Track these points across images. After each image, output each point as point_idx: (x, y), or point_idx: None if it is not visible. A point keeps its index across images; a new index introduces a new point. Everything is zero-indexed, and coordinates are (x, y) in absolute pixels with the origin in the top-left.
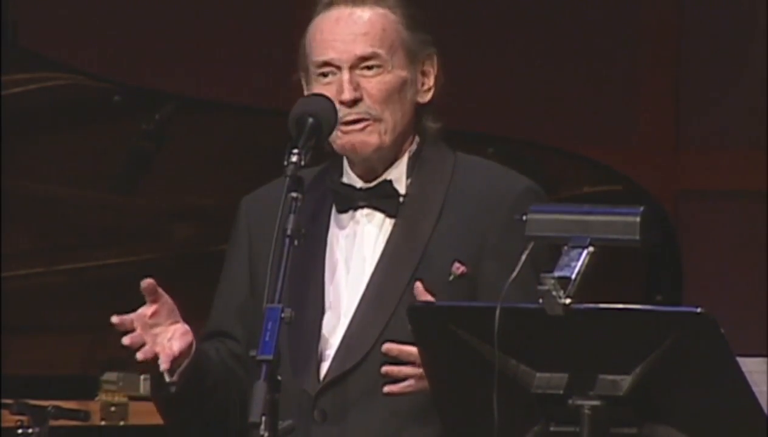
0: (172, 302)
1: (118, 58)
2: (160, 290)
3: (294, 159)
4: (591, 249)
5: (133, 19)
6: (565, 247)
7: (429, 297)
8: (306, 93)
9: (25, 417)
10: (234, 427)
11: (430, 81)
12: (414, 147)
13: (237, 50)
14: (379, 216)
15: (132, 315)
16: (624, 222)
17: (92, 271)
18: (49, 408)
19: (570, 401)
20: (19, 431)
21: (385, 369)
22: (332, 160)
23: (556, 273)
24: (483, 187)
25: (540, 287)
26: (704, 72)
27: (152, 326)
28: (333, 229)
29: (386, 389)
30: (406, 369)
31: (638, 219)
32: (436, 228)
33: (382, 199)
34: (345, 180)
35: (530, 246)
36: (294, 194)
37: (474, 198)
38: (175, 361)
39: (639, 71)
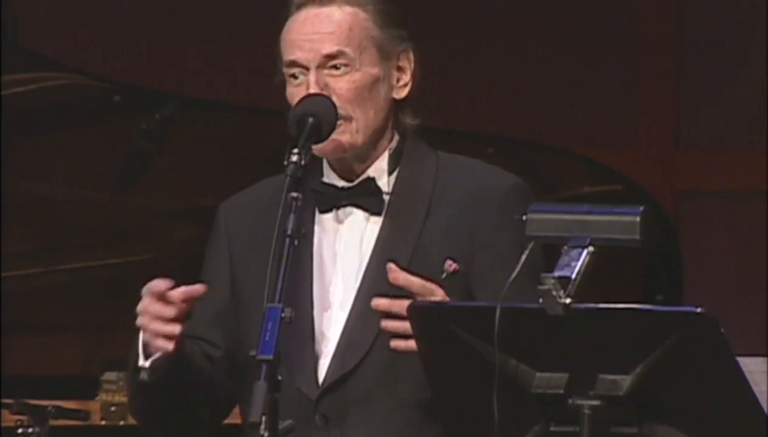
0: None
1: (118, 58)
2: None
3: (294, 159)
4: (591, 249)
5: (133, 19)
6: (565, 247)
7: (402, 275)
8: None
9: (25, 417)
10: (205, 426)
11: (407, 77)
12: (394, 144)
13: (237, 50)
14: (362, 214)
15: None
16: (624, 222)
17: (92, 271)
18: (49, 408)
19: (570, 401)
20: (19, 431)
21: (375, 302)
22: (312, 160)
23: (556, 273)
24: (469, 184)
25: (540, 287)
26: (704, 72)
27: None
28: (317, 230)
29: (393, 344)
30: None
31: (638, 219)
32: (425, 226)
33: (365, 197)
34: (326, 179)
35: (530, 246)
36: (294, 194)
37: (461, 195)
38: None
39: (639, 71)
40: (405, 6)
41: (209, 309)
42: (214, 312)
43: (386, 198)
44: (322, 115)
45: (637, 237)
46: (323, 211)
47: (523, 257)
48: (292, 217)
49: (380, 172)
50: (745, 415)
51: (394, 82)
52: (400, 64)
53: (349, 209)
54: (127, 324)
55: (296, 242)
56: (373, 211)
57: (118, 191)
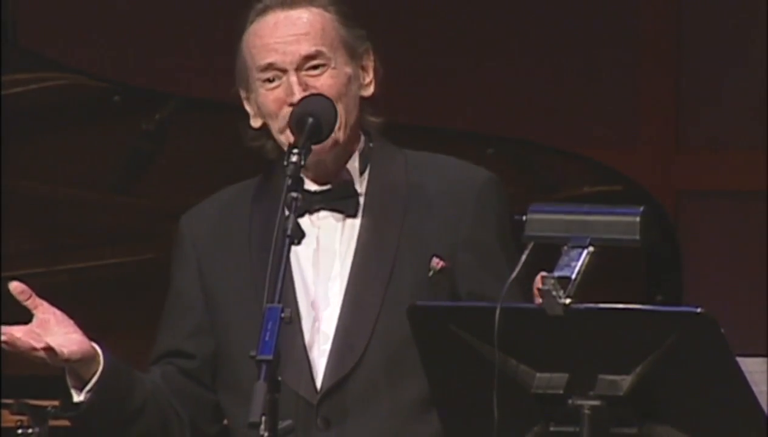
0: (61, 313)
1: (118, 58)
2: (39, 299)
3: (294, 159)
4: (591, 249)
5: (133, 19)
6: (565, 247)
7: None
8: (246, 106)
9: (25, 417)
10: None
11: (370, 75)
12: (362, 144)
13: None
14: (337, 217)
15: (17, 328)
16: (624, 222)
17: (92, 271)
18: (49, 408)
19: (570, 401)
20: (19, 431)
21: None
22: (274, 167)
23: (556, 273)
24: (443, 180)
25: (540, 287)
26: (704, 72)
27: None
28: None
29: None
30: None
31: (638, 219)
32: (404, 225)
33: (340, 200)
34: None
35: (530, 246)
36: (294, 194)
37: (436, 192)
38: (55, 358)
39: (639, 72)
40: (405, 6)
41: (183, 323)
42: (187, 325)
43: (360, 199)
44: (321, 115)
45: (637, 237)
46: (296, 216)
47: (523, 257)
48: (292, 217)
49: (353, 173)
50: (745, 415)
51: (362, 80)
52: (364, 63)
53: (322, 213)
54: (128, 324)
55: (296, 242)
56: (349, 214)
57: (118, 191)
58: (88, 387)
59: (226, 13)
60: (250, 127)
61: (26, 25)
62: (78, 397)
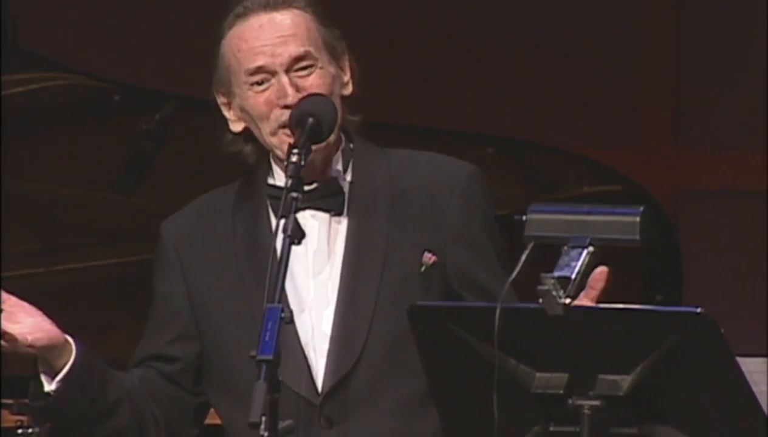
0: (30, 306)
1: (118, 58)
2: (6, 294)
3: (294, 159)
4: (591, 249)
5: (133, 19)
6: (565, 247)
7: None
8: (225, 112)
9: (25, 417)
10: None
11: (348, 74)
12: (343, 144)
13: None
14: (323, 215)
15: None
16: (624, 222)
17: (92, 271)
18: None
19: (570, 401)
20: (19, 431)
21: None
22: (256, 169)
23: (556, 273)
24: (428, 176)
25: (540, 287)
26: (704, 72)
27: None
28: (279, 236)
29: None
30: None
31: (638, 219)
32: (391, 221)
33: (326, 198)
34: (279, 184)
35: (530, 246)
36: (294, 194)
37: (422, 188)
38: (16, 343)
39: (639, 71)
40: (406, 5)
41: (167, 328)
42: (172, 330)
43: (345, 197)
44: (321, 115)
45: (637, 237)
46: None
47: (523, 257)
48: (291, 217)
49: (337, 172)
50: (745, 415)
51: (342, 79)
52: (342, 62)
53: (308, 212)
54: (127, 324)
55: (297, 242)
56: (336, 212)
57: (118, 191)
58: (58, 377)
59: (227, 13)
60: (229, 131)
61: (26, 25)
62: (49, 387)
